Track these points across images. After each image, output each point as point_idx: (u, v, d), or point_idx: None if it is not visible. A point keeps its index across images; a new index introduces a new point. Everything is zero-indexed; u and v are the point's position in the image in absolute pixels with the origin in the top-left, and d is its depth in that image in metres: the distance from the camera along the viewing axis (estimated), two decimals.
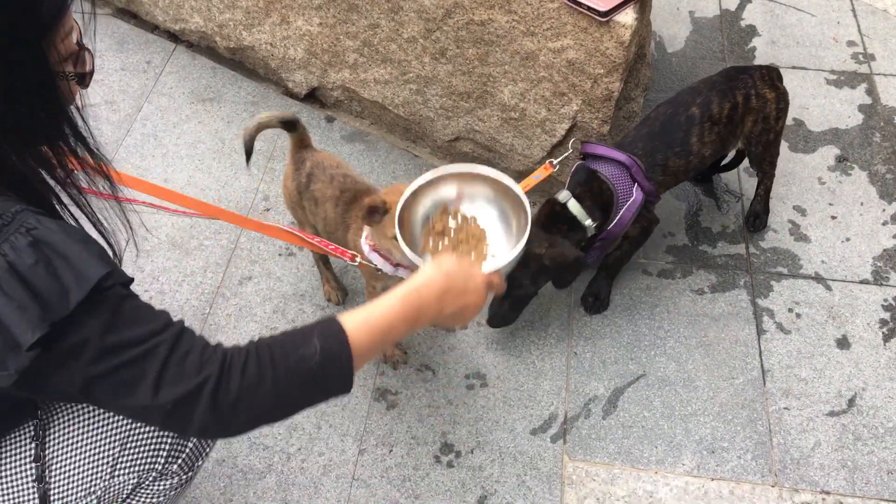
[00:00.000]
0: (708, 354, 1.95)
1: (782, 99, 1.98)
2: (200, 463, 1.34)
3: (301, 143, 1.82)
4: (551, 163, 1.86)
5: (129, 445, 1.24)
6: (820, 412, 1.84)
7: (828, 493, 1.72)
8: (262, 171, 2.35)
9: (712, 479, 1.74)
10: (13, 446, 1.21)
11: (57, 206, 1.10)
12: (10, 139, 1.01)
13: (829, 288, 2.08)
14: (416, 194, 1.45)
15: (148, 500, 1.30)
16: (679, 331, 1.99)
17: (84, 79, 1.08)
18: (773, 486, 1.73)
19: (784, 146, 2.41)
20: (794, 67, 2.65)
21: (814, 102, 2.54)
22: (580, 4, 1.77)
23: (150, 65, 2.66)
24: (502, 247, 1.43)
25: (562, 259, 1.78)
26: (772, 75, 1.98)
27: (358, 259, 1.66)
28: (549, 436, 1.81)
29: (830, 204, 2.27)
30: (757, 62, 2.68)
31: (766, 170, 2.11)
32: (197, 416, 0.98)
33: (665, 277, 2.10)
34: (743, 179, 2.33)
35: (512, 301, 1.87)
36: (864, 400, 1.86)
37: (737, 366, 1.93)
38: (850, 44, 2.73)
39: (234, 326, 2.00)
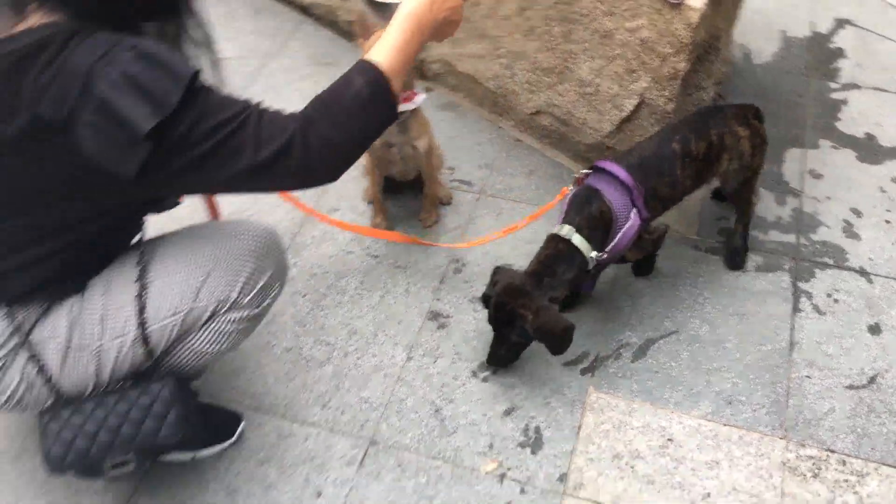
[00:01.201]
0: (741, 322, 2.08)
1: (756, 135, 2.03)
2: (268, 303, 1.59)
3: None
4: (569, 188, 1.93)
5: (211, 276, 1.50)
6: (839, 384, 1.95)
7: (833, 451, 1.82)
8: None
9: (724, 425, 1.88)
10: (122, 268, 1.50)
11: None
12: (136, 12, 1.30)
13: (870, 281, 2.17)
14: None
15: (221, 328, 1.55)
16: (717, 299, 2.13)
17: None
18: (781, 439, 1.85)
19: (851, 155, 2.52)
20: (875, 89, 2.76)
21: (888, 122, 2.64)
22: None
23: (280, 31, 3.02)
24: None
25: (548, 330, 1.79)
26: (746, 113, 2.05)
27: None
28: (578, 369, 1.99)
29: (888, 210, 2.36)
30: (840, 81, 2.80)
31: (742, 207, 2.16)
32: (295, 159, 1.23)
33: (712, 254, 2.25)
34: (806, 179, 2.45)
35: (507, 347, 1.91)
36: (885, 380, 1.95)
37: (767, 335, 2.05)
38: None
39: (316, 246, 2.27)
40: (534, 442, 1.86)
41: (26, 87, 1.18)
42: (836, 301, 2.13)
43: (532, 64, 2.39)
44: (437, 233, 2.31)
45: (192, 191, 1.44)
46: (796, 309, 2.11)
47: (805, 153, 2.53)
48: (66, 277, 1.45)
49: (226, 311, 1.54)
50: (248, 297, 1.54)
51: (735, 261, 2.20)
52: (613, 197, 1.86)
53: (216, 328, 1.55)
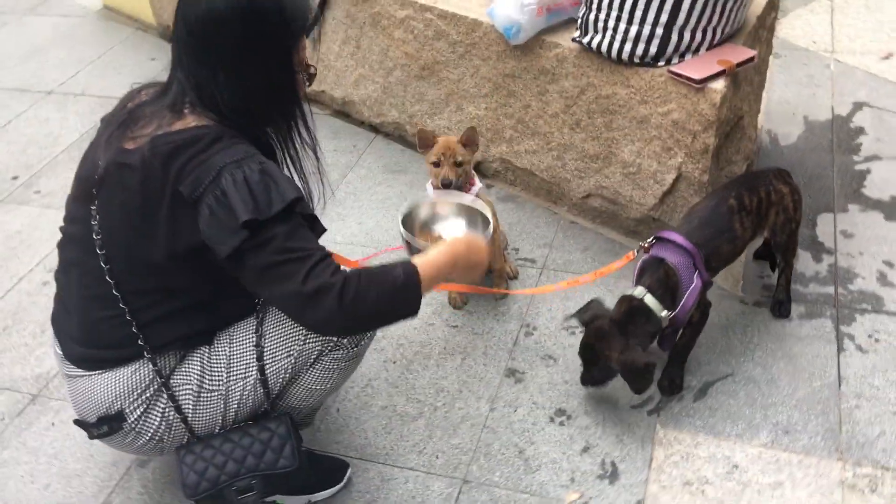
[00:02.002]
0: (791, 363, 2.29)
1: (795, 192, 2.30)
2: (365, 343, 1.88)
3: None
4: (633, 253, 2.18)
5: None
6: (888, 411, 2.13)
7: (887, 469, 1.99)
8: None
9: (784, 451, 2.06)
10: (243, 320, 1.81)
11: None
12: (264, 117, 1.67)
13: None
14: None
15: (327, 366, 1.83)
16: (766, 345, 2.35)
17: (311, 78, 1.71)
18: (838, 461, 2.03)
19: (879, 216, 2.77)
20: (895, 158, 3.03)
21: None
22: (681, 76, 2.33)
23: (356, 148, 3.43)
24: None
25: (632, 365, 2.01)
26: (783, 174, 2.32)
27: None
28: (645, 411, 2.21)
29: None
30: (862, 155, 3.08)
31: (787, 259, 2.37)
32: (327, 304, 1.52)
33: (759, 307, 2.48)
34: (838, 239, 2.70)
35: (597, 372, 2.15)
36: None
37: (816, 373, 2.26)
38: None
39: None
40: (611, 474, 2.06)
41: (175, 168, 1.53)
42: (877, 341, 2.33)
43: (580, 153, 2.73)
44: (508, 304, 2.59)
45: (253, 289, 1.63)
46: (840, 349, 2.32)
47: (835, 217, 2.79)
48: (197, 330, 1.75)
49: (329, 351, 1.82)
50: (347, 339, 1.82)
51: (781, 310, 2.42)
52: (677, 262, 2.08)
53: (323, 366, 1.83)
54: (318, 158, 1.79)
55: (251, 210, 1.50)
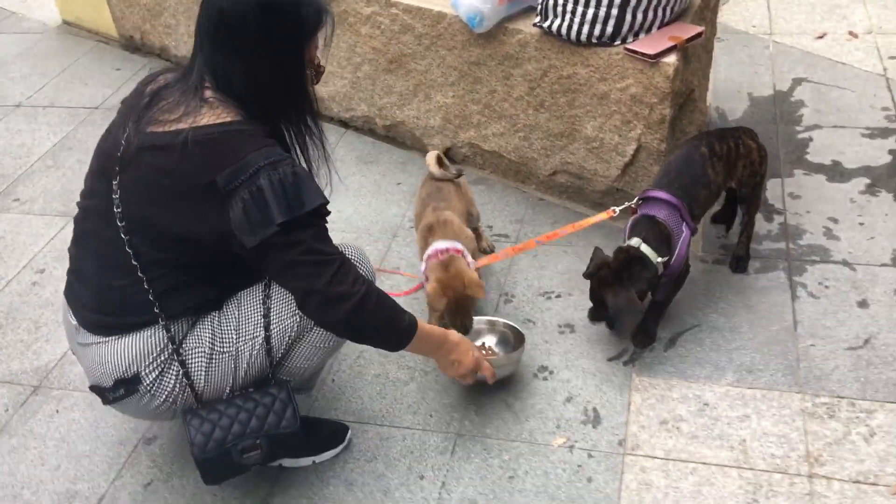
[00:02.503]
0: (750, 312, 2.48)
1: (762, 149, 2.51)
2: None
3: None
4: (614, 210, 2.39)
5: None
6: (840, 347, 2.33)
7: (842, 397, 2.19)
8: (408, 204, 3.13)
9: (749, 388, 2.25)
10: (254, 288, 1.93)
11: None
12: (275, 108, 1.79)
13: (853, 269, 2.59)
14: None
15: (316, 342, 1.97)
16: (728, 297, 2.55)
17: (319, 75, 1.85)
18: (797, 393, 2.22)
19: (822, 178, 3.00)
20: (835, 127, 3.27)
21: (849, 149, 3.12)
22: (636, 52, 2.51)
23: (329, 142, 3.56)
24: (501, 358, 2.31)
25: (621, 305, 2.22)
26: (749, 132, 2.53)
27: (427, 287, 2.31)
28: (621, 362, 2.38)
29: (859, 215, 2.81)
30: (804, 125, 3.30)
31: (751, 213, 2.58)
32: (343, 310, 1.71)
33: (718, 264, 2.68)
34: (787, 200, 2.91)
35: (602, 313, 2.37)
36: (878, 340, 2.34)
37: (773, 319, 2.45)
38: (884, 109, 3.33)
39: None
40: (593, 419, 2.22)
41: (214, 159, 1.66)
42: (826, 287, 2.54)
43: (545, 132, 2.90)
44: (486, 274, 2.74)
45: (273, 277, 1.84)
46: (794, 296, 2.52)
47: (783, 181, 3.01)
48: (209, 297, 1.88)
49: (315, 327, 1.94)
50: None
51: (739, 265, 2.62)
52: (666, 216, 2.27)
53: (314, 340, 1.97)
54: (324, 148, 1.93)
55: (284, 211, 1.64)
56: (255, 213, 1.65)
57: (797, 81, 3.59)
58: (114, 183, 1.76)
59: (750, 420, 2.16)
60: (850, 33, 3.86)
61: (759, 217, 2.84)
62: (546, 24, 2.65)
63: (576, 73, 2.69)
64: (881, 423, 2.11)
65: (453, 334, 2.03)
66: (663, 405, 2.24)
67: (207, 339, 1.87)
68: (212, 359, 1.87)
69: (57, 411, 2.42)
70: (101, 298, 1.82)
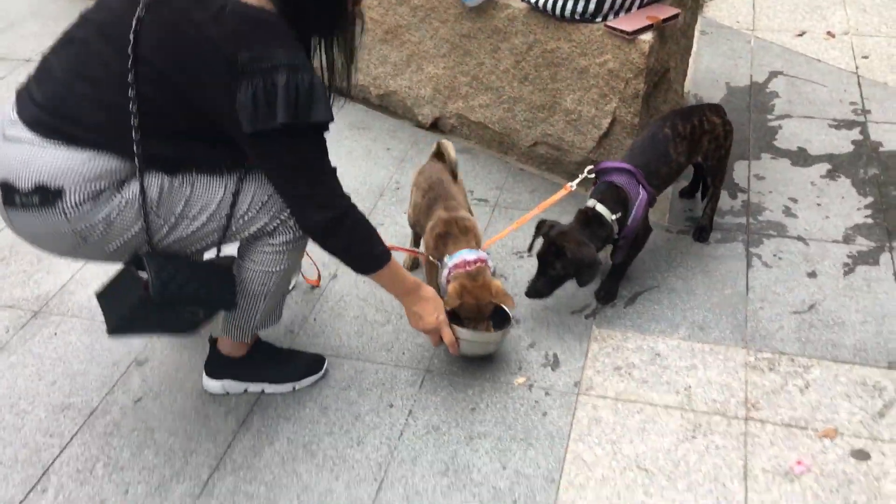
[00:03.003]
0: (707, 277, 2.66)
1: (727, 124, 2.67)
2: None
3: (439, 158, 2.62)
4: (570, 186, 2.49)
5: (273, 197, 1.94)
6: (786, 311, 2.51)
7: (784, 353, 2.37)
8: (396, 168, 3.31)
9: (699, 343, 2.43)
10: (225, 177, 1.92)
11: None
12: (316, 26, 1.84)
13: (807, 244, 2.77)
14: None
15: (277, 248, 2.00)
16: (687, 263, 2.72)
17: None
18: (742, 349, 2.40)
19: (787, 163, 3.18)
20: (804, 117, 3.45)
21: (816, 138, 3.31)
22: (615, 29, 2.69)
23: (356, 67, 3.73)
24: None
25: (580, 257, 2.31)
26: (716, 108, 2.69)
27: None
28: (583, 315, 2.56)
29: (818, 197, 2.99)
30: (775, 114, 3.49)
31: (716, 185, 2.75)
32: (325, 217, 1.84)
33: (682, 234, 2.86)
34: (751, 181, 3.09)
35: (545, 280, 2.39)
36: (822, 307, 2.52)
37: (728, 283, 2.63)
38: (852, 103, 3.51)
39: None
40: (553, 363, 2.40)
41: (243, 35, 1.66)
42: (780, 259, 2.72)
43: (528, 104, 3.07)
44: None
45: (262, 168, 1.87)
46: (749, 265, 2.70)
47: (749, 163, 3.19)
48: (179, 158, 1.84)
49: (280, 225, 1.98)
50: (291, 222, 1.98)
51: (701, 235, 2.80)
52: (622, 181, 2.43)
53: (277, 241, 2.00)
54: (349, 68, 1.97)
55: (290, 113, 1.68)
56: (262, 103, 1.66)
57: (773, 74, 3.77)
58: (138, 10, 1.71)
59: (697, 370, 2.34)
60: (828, 33, 4.04)
61: (723, 194, 3.02)
62: (533, 0, 2.82)
63: (559, 48, 2.86)
64: (816, 377, 2.29)
65: (428, 290, 2.14)
66: (618, 353, 2.41)
67: (166, 180, 1.82)
68: (164, 191, 1.82)
69: (55, 334, 2.58)
70: (60, 100, 1.75)
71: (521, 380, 2.35)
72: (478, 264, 2.26)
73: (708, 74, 3.78)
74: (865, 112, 3.44)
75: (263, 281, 2.06)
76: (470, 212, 2.51)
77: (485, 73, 3.14)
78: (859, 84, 3.65)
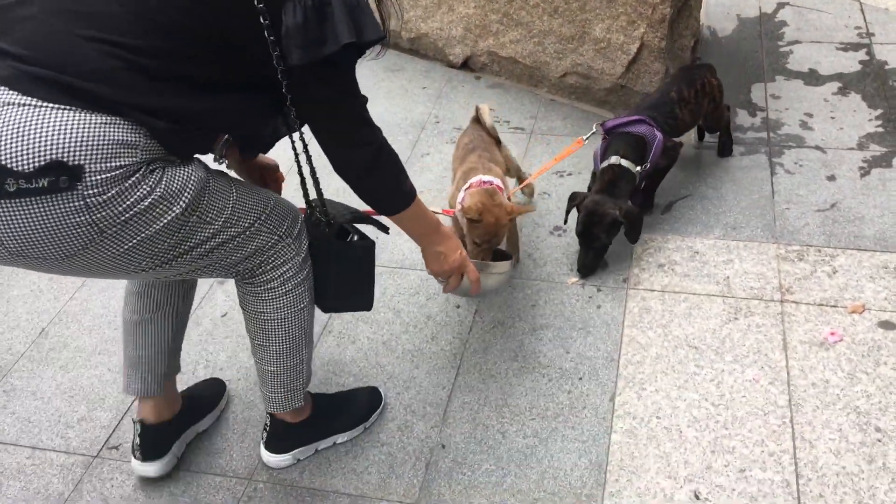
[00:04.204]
0: (735, 185, 2.89)
1: (720, 84, 2.84)
2: (307, 244, 1.80)
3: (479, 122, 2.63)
4: (582, 138, 2.62)
5: (273, 210, 1.70)
6: (810, 209, 2.75)
7: (811, 245, 2.61)
8: (433, 104, 3.51)
9: (733, 241, 2.66)
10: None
11: None
12: None
13: (824, 152, 3.00)
14: None
15: (288, 284, 1.77)
16: (716, 174, 2.95)
17: None
18: (773, 243, 2.63)
19: (800, 83, 3.40)
20: (813, 42, 3.66)
21: (825, 60, 3.53)
22: None
23: None
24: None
25: (634, 220, 2.45)
26: (711, 70, 2.87)
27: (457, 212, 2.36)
28: None
29: (831, 112, 3.21)
30: (785, 40, 3.70)
31: (722, 130, 2.93)
32: (366, 154, 1.63)
33: (707, 149, 3.08)
34: (769, 100, 3.31)
35: (593, 253, 2.52)
36: (843, 205, 2.75)
37: (755, 189, 2.86)
38: (857, 28, 3.73)
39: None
40: (602, 263, 2.63)
41: None
42: (801, 165, 2.95)
43: (558, 36, 3.28)
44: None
45: (305, 108, 1.59)
46: (773, 173, 2.93)
47: (765, 85, 3.41)
48: (206, 132, 1.56)
49: (285, 238, 1.73)
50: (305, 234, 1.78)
51: (724, 150, 3.02)
52: (639, 129, 2.59)
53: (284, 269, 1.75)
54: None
55: (349, 31, 1.41)
56: (314, 25, 1.39)
57: (781, 5, 3.98)
58: None
59: (733, 263, 2.57)
60: None
61: (744, 114, 3.24)
62: None
63: None
64: (842, 263, 2.53)
65: (447, 228, 1.94)
66: (661, 253, 2.64)
67: (175, 190, 1.44)
68: (159, 210, 1.43)
69: None
70: (47, 50, 1.29)
71: (573, 279, 2.58)
72: (493, 185, 2.27)
73: (720, 8, 3.98)
74: (870, 35, 3.66)
75: (293, 325, 1.84)
76: (510, 170, 2.62)
77: (515, 10, 3.34)
78: (862, 11, 3.86)
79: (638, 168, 2.55)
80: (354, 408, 2.16)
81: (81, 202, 1.30)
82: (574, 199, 2.57)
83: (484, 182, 2.30)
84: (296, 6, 1.39)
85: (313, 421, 2.07)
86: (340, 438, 2.13)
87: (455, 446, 2.11)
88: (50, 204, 1.29)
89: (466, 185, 2.31)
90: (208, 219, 1.54)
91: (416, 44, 3.82)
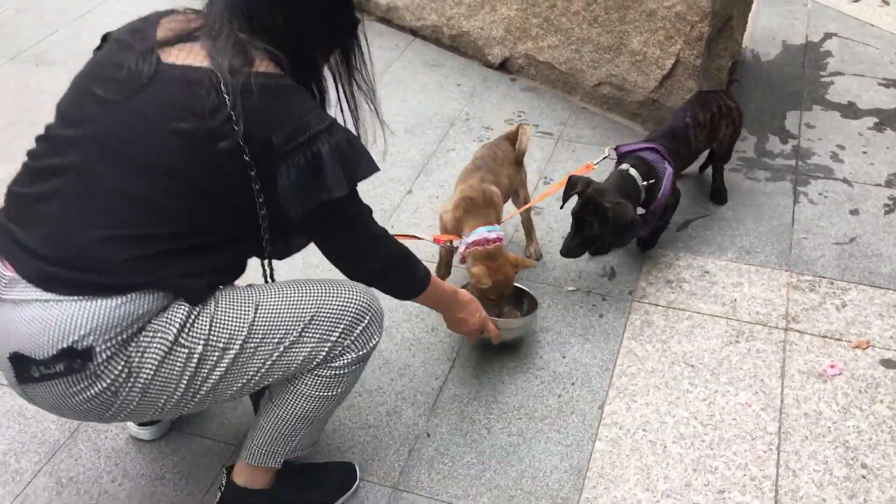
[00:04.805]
0: (756, 209, 2.87)
1: (739, 109, 2.77)
2: (374, 342, 1.72)
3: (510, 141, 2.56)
4: (592, 163, 2.55)
5: (317, 317, 1.62)
6: (829, 241, 2.72)
7: (824, 277, 2.58)
8: (466, 101, 3.54)
9: (745, 264, 2.65)
10: (251, 286, 1.65)
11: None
12: (324, 44, 1.61)
13: (851, 186, 2.97)
14: None
15: (336, 371, 1.68)
16: (737, 197, 2.93)
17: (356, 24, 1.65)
18: (786, 271, 2.61)
19: (837, 115, 3.36)
20: (855, 75, 3.62)
21: (865, 94, 3.48)
22: None
23: (398, 46, 3.97)
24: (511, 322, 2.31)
25: (621, 215, 2.30)
26: (729, 94, 2.83)
27: (457, 245, 2.31)
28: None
29: (864, 146, 3.17)
30: (828, 71, 3.66)
31: (724, 160, 2.85)
32: (376, 262, 1.67)
33: (734, 171, 3.06)
34: (802, 129, 3.28)
35: (580, 239, 2.40)
36: (862, 240, 2.72)
37: (775, 216, 2.84)
38: None
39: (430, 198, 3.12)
40: (609, 274, 2.64)
41: (273, 112, 1.45)
42: (825, 197, 2.92)
43: (595, 45, 3.28)
44: (534, 155, 3.14)
45: (312, 238, 1.71)
46: (796, 201, 2.91)
47: (801, 113, 3.38)
48: (221, 269, 1.59)
49: (334, 357, 1.66)
50: (351, 339, 1.67)
51: (720, 197, 2.88)
52: (648, 157, 2.53)
53: (333, 370, 1.67)
54: (375, 107, 1.75)
55: (340, 183, 1.50)
56: (308, 181, 1.47)
57: (828, 35, 3.93)
58: (119, 111, 1.45)
59: (742, 286, 2.56)
60: (883, 1, 4.18)
61: (776, 140, 3.22)
62: None
63: None
64: (853, 298, 2.50)
65: (464, 293, 1.99)
66: (670, 269, 2.64)
67: (177, 324, 1.50)
68: (170, 351, 1.50)
69: None
70: (67, 250, 1.45)
71: (571, 287, 2.59)
72: (496, 243, 2.24)
73: (765, 32, 3.95)
74: None
75: (317, 407, 1.71)
76: (519, 196, 2.58)
77: (556, 15, 3.35)
78: None
79: (644, 183, 2.46)
80: (324, 487, 1.97)
81: (93, 377, 1.46)
82: (573, 185, 2.44)
83: (489, 240, 2.23)
84: (289, 167, 1.46)
85: (273, 495, 1.86)
86: None
87: (440, 436, 2.14)
88: (68, 382, 1.45)
89: (470, 241, 2.24)
90: (221, 345, 1.55)
91: (456, 41, 3.85)
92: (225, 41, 1.44)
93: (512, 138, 2.54)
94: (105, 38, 1.61)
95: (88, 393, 1.47)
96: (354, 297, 1.67)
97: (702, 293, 2.55)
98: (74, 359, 1.42)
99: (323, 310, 1.63)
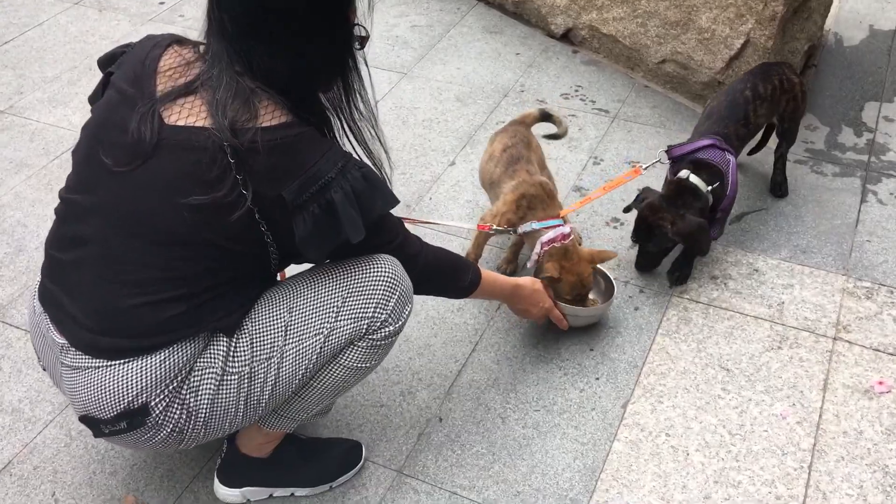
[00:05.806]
0: (818, 206, 2.68)
1: (803, 84, 2.56)
2: (407, 311, 1.70)
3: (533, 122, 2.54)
4: (640, 167, 2.40)
5: (349, 298, 1.61)
6: (893, 246, 2.52)
7: (883, 285, 2.39)
8: (523, 72, 3.41)
9: (799, 265, 2.47)
10: (276, 288, 1.65)
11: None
12: (321, 76, 1.54)
13: None
14: None
15: (373, 343, 1.66)
16: (800, 191, 2.74)
17: (363, 41, 1.55)
18: (843, 275, 2.43)
19: None
20: None
21: None
22: None
23: (459, 10, 3.84)
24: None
25: (687, 230, 2.21)
26: (793, 68, 2.59)
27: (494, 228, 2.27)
28: None
29: None
30: None
31: (788, 141, 2.63)
32: (406, 260, 1.68)
33: (799, 163, 2.87)
34: (880, 122, 3.05)
35: (647, 256, 2.40)
36: None
37: (838, 215, 2.65)
38: None
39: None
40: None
41: (282, 170, 1.42)
42: None
43: (662, 20, 3.10)
44: (580, 140, 3.01)
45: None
46: (864, 200, 2.70)
47: (881, 105, 3.14)
48: (251, 298, 1.61)
49: (364, 335, 1.65)
50: (387, 313, 1.65)
51: (780, 190, 2.69)
52: (708, 155, 2.30)
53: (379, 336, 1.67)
54: (377, 134, 1.70)
55: (357, 229, 1.49)
56: (325, 229, 1.47)
57: None
58: (127, 184, 1.45)
59: (793, 288, 2.40)
60: None
61: (849, 131, 3.00)
62: None
63: None
64: None
65: (525, 287, 2.03)
66: (716, 265, 2.49)
67: (221, 356, 1.56)
68: (222, 380, 1.57)
69: None
70: (104, 318, 1.51)
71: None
72: (571, 238, 2.19)
73: (852, 15, 3.68)
74: None
75: (347, 377, 1.69)
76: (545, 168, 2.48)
77: None
78: None
79: (708, 188, 2.29)
80: (325, 462, 1.93)
81: (155, 427, 1.55)
82: (638, 199, 2.38)
83: (565, 236, 2.19)
84: (304, 219, 1.45)
85: (272, 464, 1.87)
86: (300, 492, 1.91)
87: (452, 422, 2.07)
88: (136, 435, 1.56)
89: (545, 240, 2.19)
90: (265, 356, 1.59)
91: (520, 7, 3.71)
92: (225, 91, 1.41)
93: (527, 122, 2.51)
94: (107, 77, 1.59)
95: (156, 439, 1.57)
96: (381, 271, 1.65)
97: (747, 292, 2.39)
98: (134, 416, 1.52)
99: (354, 290, 1.63)
